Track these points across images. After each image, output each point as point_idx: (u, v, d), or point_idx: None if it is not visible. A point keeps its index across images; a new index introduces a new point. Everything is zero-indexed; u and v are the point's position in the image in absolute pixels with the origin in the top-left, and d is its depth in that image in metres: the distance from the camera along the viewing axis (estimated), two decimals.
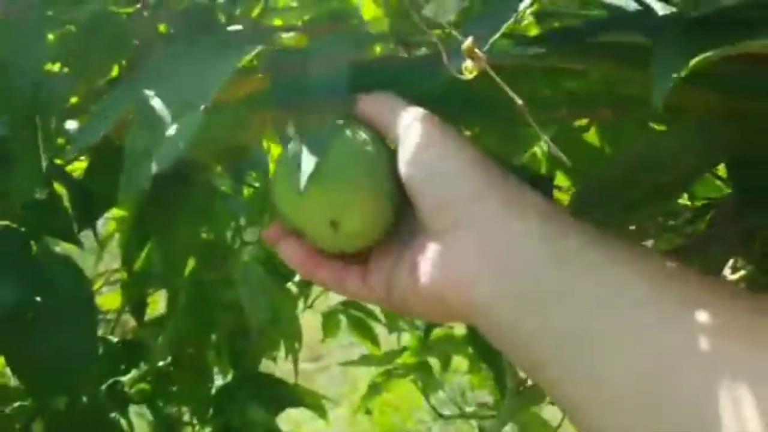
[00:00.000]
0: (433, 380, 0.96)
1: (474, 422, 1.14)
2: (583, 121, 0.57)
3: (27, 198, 0.46)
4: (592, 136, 0.57)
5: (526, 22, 0.51)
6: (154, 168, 0.34)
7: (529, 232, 0.29)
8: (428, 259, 0.32)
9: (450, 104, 0.34)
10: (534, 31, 0.45)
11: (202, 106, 0.34)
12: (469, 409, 1.01)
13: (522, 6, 0.28)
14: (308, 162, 0.32)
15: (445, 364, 1.01)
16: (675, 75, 0.22)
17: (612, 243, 0.28)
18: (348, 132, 0.34)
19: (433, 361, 1.01)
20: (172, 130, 0.35)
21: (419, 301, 0.32)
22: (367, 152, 0.34)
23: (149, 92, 0.37)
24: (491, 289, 0.29)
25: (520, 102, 0.26)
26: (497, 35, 0.27)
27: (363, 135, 0.34)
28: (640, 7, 0.28)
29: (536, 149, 0.66)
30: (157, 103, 0.36)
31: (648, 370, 0.24)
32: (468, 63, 0.27)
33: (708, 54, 0.21)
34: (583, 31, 0.30)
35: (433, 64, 0.30)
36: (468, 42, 0.26)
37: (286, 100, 0.35)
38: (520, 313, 0.28)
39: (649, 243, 0.55)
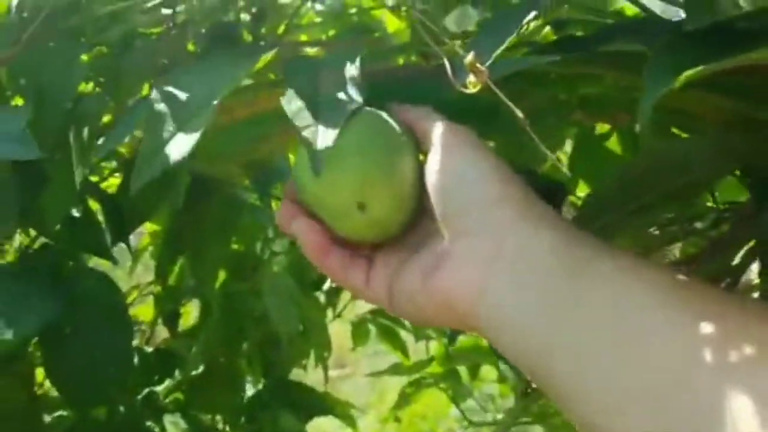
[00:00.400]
0: (462, 388, 0.96)
1: None
2: (605, 129, 0.57)
3: (62, 217, 0.48)
4: (613, 144, 0.57)
5: (545, 30, 0.52)
6: (166, 163, 0.34)
7: (540, 244, 0.30)
8: (440, 263, 0.32)
9: (463, 113, 0.35)
10: (551, 39, 0.46)
11: (214, 102, 0.35)
12: (498, 417, 1.01)
13: (526, 19, 0.28)
14: (327, 137, 0.32)
15: (474, 373, 1.01)
16: (665, 88, 0.23)
17: (618, 254, 0.29)
18: (380, 117, 0.34)
19: (462, 370, 1.01)
20: (183, 130, 0.36)
21: (428, 304, 0.33)
22: (400, 141, 0.34)
23: (160, 95, 0.38)
24: (499, 298, 0.30)
25: (521, 115, 0.27)
26: (500, 50, 0.28)
27: (397, 126, 0.35)
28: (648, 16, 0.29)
29: (560, 155, 0.66)
30: (166, 106, 0.37)
31: (654, 376, 0.25)
32: (471, 77, 0.27)
33: (699, 69, 0.22)
34: (592, 40, 0.31)
35: (444, 74, 0.31)
36: (470, 57, 0.27)
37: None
38: (527, 322, 0.29)
39: (677, 246, 0.55)
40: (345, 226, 0.35)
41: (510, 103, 0.26)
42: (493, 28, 0.30)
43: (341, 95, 0.34)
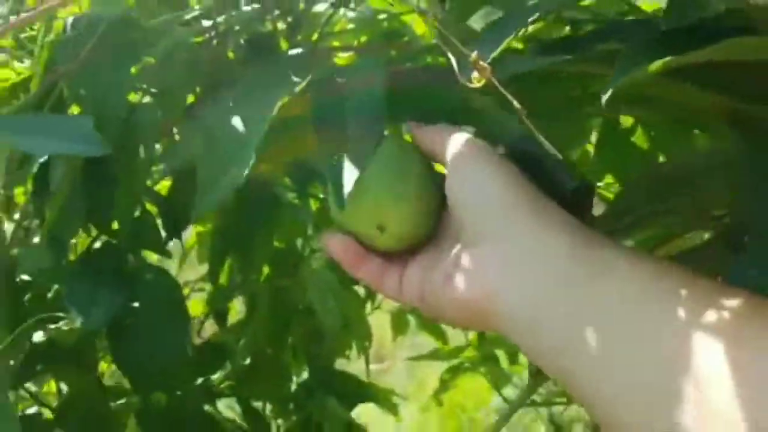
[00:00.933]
0: (501, 372, 0.99)
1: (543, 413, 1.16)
2: (629, 122, 0.59)
3: (130, 217, 0.52)
4: (639, 138, 0.59)
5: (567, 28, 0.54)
6: (227, 190, 0.39)
7: (555, 246, 0.31)
8: (460, 269, 0.35)
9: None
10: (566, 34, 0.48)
11: (262, 131, 0.39)
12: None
13: (531, 19, 0.32)
14: (351, 176, 0.36)
15: (513, 358, 1.03)
16: (628, 77, 0.25)
17: (633, 254, 0.30)
18: (391, 148, 0.39)
19: (501, 355, 1.03)
20: (236, 160, 0.40)
21: (451, 308, 0.35)
22: (410, 163, 0.39)
23: (215, 124, 0.43)
24: (514, 299, 0.32)
25: (519, 107, 0.30)
26: (499, 49, 0.31)
27: (406, 151, 0.39)
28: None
29: (588, 147, 0.68)
30: (221, 135, 0.42)
31: (676, 374, 0.25)
32: (475, 74, 0.30)
33: (667, 60, 0.25)
34: (590, 39, 0.33)
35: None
36: (473, 55, 0.30)
37: (327, 122, 0.40)
38: (543, 324, 0.30)
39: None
40: (373, 244, 0.39)
41: (511, 97, 0.29)
42: (498, 28, 0.33)
43: (366, 132, 0.37)
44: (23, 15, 0.49)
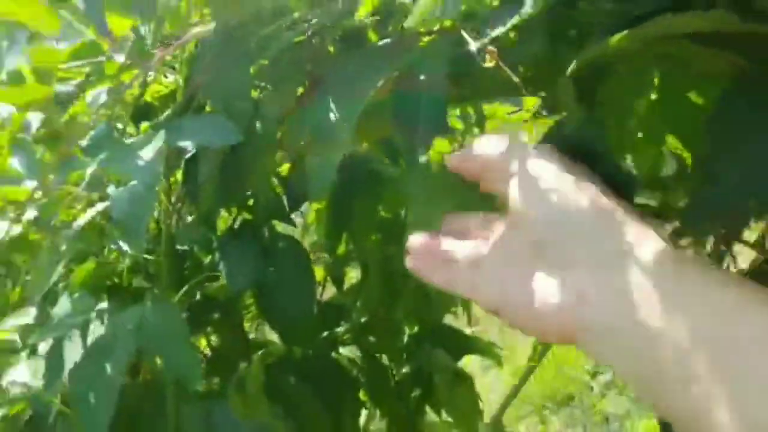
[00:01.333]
0: None
1: None
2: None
3: (269, 195, 0.63)
4: (694, 95, 0.62)
5: None
6: (331, 176, 0.48)
7: (615, 251, 0.31)
8: (550, 292, 0.33)
9: None
10: None
11: (353, 121, 0.47)
12: None
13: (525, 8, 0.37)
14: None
15: None
16: (593, 51, 0.32)
17: (680, 251, 0.30)
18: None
19: None
20: (333, 148, 0.48)
21: (530, 325, 0.34)
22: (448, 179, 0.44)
23: (316, 115, 0.51)
24: (614, 330, 0.30)
25: (517, 80, 0.36)
26: (498, 32, 0.37)
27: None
28: None
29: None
30: (321, 126, 0.50)
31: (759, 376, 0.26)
32: (487, 55, 0.37)
33: (624, 33, 0.31)
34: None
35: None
36: (485, 40, 0.37)
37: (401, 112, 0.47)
38: (657, 350, 0.29)
39: None
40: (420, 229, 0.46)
41: (510, 72, 0.36)
42: (501, 12, 0.39)
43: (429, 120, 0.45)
44: (173, 44, 0.60)
